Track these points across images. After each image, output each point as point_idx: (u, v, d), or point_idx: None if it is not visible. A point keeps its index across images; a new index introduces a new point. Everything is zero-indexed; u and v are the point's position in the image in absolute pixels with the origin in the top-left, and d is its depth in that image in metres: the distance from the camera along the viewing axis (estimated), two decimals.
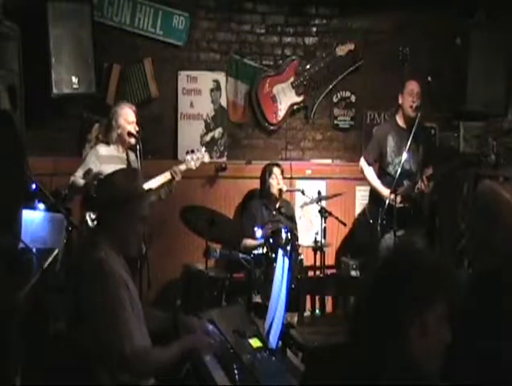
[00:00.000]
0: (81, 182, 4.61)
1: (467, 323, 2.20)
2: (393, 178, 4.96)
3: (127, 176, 2.80)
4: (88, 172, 4.65)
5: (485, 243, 2.35)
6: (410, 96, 5.05)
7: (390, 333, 1.66)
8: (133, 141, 4.73)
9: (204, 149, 5.18)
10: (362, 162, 5.33)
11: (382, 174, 5.22)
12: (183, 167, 4.89)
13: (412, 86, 5.07)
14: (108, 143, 4.78)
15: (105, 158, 4.71)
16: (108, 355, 2.51)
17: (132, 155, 4.85)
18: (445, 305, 1.69)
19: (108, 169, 4.64)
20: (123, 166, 4.71)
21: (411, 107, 5.03)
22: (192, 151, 5.05)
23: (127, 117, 4.72)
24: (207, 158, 5.08)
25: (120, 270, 2.64)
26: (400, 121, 5.17)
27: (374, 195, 5.25)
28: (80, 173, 4.64)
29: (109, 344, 2.50)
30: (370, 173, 5.29)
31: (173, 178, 4.80)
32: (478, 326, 2.16)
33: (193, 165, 4.97)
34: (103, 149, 4.75)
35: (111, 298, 2.52)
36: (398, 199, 4.95)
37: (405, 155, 4.89)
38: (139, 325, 2.64)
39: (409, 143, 4.84)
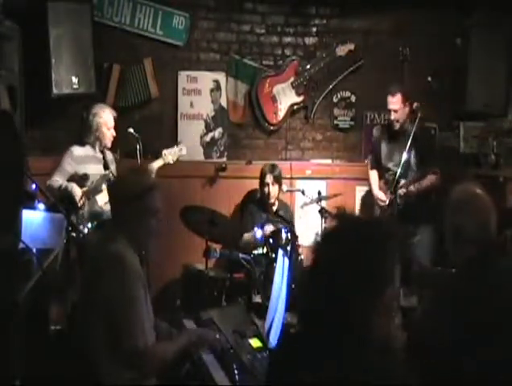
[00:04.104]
0: (57, 185, 4.63)
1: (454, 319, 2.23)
2: (387, 181, 5.13)
3: (133, 174, 2.85)
4: (83, 177, 4.68)
5: (458, 234, 2.38)
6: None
7: (352, 325, 1.56)
8: (109, 144, 4.84)
9: (181, 142, 5.21)
10: (368, 167, 5.44)
11: (381, 178, 5.31)
12: (159, 162, 4.93)
13: (389, 99, 5.03)
14: (83, 143, 4.81)
15: (81, 159, 4.76)
16: (119, 349, 2.52)
17: (109, 154, 4.93)
18: (398, 273, 1.60)
19: (84, 169, 4.71)
20: (100, 165, 4.80)
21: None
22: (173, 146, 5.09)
23: (107, 123, 4.79)
24: (184, 151, 5.10)
25: (137, 266, 2.67)
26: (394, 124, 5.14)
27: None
28: (56, 177, 4.65)
29: (122, 338, 2.51)
30: (372, 177, 5.37)
31: None
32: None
33: (171, 159, 5.00)
34: (78, 150, 4.79)
35: (129, 293, 2.54)
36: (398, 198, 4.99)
37: (392, 162, 5.03)
38: (149, 323, 2.66)
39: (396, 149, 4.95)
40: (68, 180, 4.69)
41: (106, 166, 4.79)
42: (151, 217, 2.74)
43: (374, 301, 1.56)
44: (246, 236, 5.12)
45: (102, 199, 4.62)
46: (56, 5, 4.89)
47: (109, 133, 4.79)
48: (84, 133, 4.84)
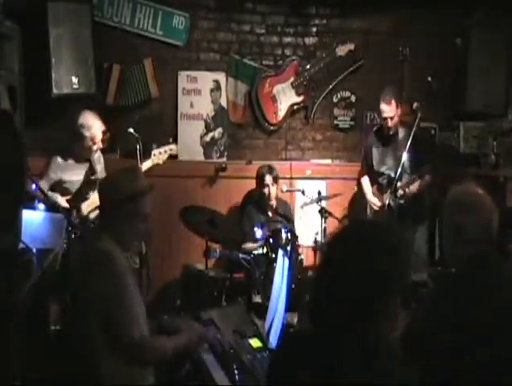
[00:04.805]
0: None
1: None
2: (381, 186, 5.18)
3: (128, 175, 2.81)
4: (91, 170, 4.67)
5: (458, 234, 2.37)
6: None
7: (361, 327, 1.55)
8: (96, 153, 4.80)
9: (172, 141, 5.14)
10: (360, 174, 5.48)
11: (373, 184, 5.35)
12: (147, 164, 4.81)
13: (384, 107, 5.06)
14: (69, 149, 4.75)
15: (65, 165, 4.72)
16: (116, 343, 2.52)
17: (95, 153, 4.84)
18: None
19: (68, 176, 4.68)
20: (84, 170, 4.75)
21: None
22: (162, 145, 5.02)
23: (94, 138, 4.69)
24: (175, 150, 5.02)
25: (124, 261, 2.69)
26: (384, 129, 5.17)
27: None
28: (43, 185, 4.53)
29: (117, 330, 2.52)
30: (364, 183, 5.41)
31: None
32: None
33: (160, 159, 4.89)
34: (62, 159, 4.74)
35: (120, 284, 2.55)
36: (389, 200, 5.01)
37: (385, 166, 5.09)
38: (142, 316, 2.66)
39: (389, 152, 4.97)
40: (52, 186, 4.66)
41: (92, 171, 4.75)
42: (141, 221, 2.72)
43: (379, 303, 1.57)
44: (247, 245, 5.12)
45: (87, 208, 4.57)
46: (56, 5, 4.89)
47: (95, 147, 4.73)
48: (73, 144, 4.77)
